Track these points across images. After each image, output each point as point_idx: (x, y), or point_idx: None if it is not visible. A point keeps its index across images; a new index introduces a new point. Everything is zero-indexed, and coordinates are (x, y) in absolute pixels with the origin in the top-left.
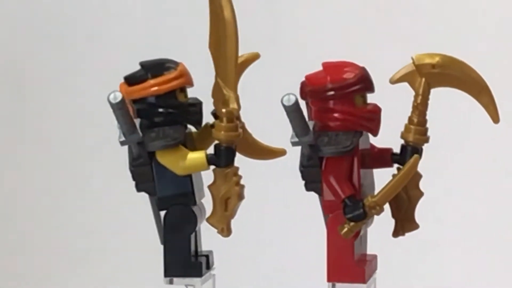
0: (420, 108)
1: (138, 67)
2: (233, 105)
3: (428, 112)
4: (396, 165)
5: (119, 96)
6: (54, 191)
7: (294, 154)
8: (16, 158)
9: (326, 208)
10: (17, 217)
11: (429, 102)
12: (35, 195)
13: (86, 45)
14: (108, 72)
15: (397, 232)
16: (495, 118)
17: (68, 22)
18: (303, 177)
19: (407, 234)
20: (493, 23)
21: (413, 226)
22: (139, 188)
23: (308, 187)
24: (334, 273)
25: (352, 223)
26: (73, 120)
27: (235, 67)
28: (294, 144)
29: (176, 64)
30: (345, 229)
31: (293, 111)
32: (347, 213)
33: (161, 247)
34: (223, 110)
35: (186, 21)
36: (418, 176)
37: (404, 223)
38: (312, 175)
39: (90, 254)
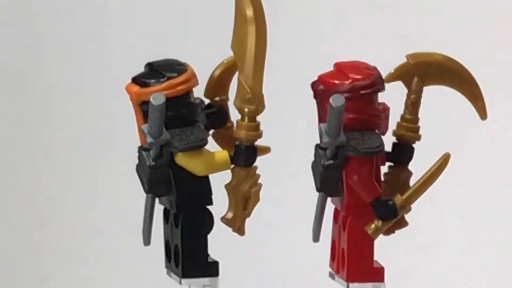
0: (413, 106)
1: (136, 67)
2: (257, 105)
3: (426, 112)
4: (388, 163)
5: (163, 98)
6: (54, 191)
7: (295, 156)
8: (16, 158)
9: (349, 208)
10: (17, 217)
11: (429, 100)
12: (35, 194)
13: (87, 45)
14: (108, 72)
15: (388, 230)
16: (483, 116)
17: (68, 21)
18: (323, 178)
19: (398, 232)
20: (486, 22)
21: (403, 223)
22: (150, 190)
23: (323, 188)
24: (353, 274)
25: (380, 222)
26: (74, 120)
27: (260, 66)
28: (326, 145)
29: (184, 64)
30: (373, 228)
31: (339, 112)
32: (380, 213)
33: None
34: (246, 110)
35: (187, 20)
36: (409, 174)
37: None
38: (333, 175)
39: (92, 254)
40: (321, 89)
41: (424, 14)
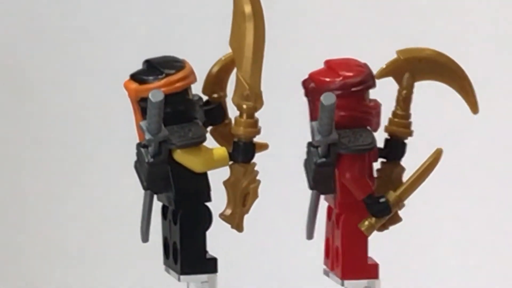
0: (404, 101)
1: (134, 64)
2: (255, 102)
3: (418, 107)
4: (380, 160)
5: (161, 95)
6: (52, 188)
7: (293, 153)
8: (15, 158)
9: (342, 206)
10: (16, 217)
11: (421, 96)
12: (34, 194)
13: (85, 42)
14: (106, 69)
15: (381, 226)
16: (475, 110)
17: (67, 18)
18: (315, 176)
19: (391, 228)
20: (476, 17)
21: (396, 219)
22: (148, 186)
23: (316, 186)
24: (348, 271)
25: (374, 219)
26: (72, 117)
27: (258, 63)
28: (317, 143)
29: (182, 61)
30: (367, 225)
31: (330, 110)
32: (373, 210)
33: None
34: (244, 106)
35: (185, 17)
36: (402, 170)
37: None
38: (326, 173)
39: (90, 251)
40: (312, 87)
41: (414, 10)
